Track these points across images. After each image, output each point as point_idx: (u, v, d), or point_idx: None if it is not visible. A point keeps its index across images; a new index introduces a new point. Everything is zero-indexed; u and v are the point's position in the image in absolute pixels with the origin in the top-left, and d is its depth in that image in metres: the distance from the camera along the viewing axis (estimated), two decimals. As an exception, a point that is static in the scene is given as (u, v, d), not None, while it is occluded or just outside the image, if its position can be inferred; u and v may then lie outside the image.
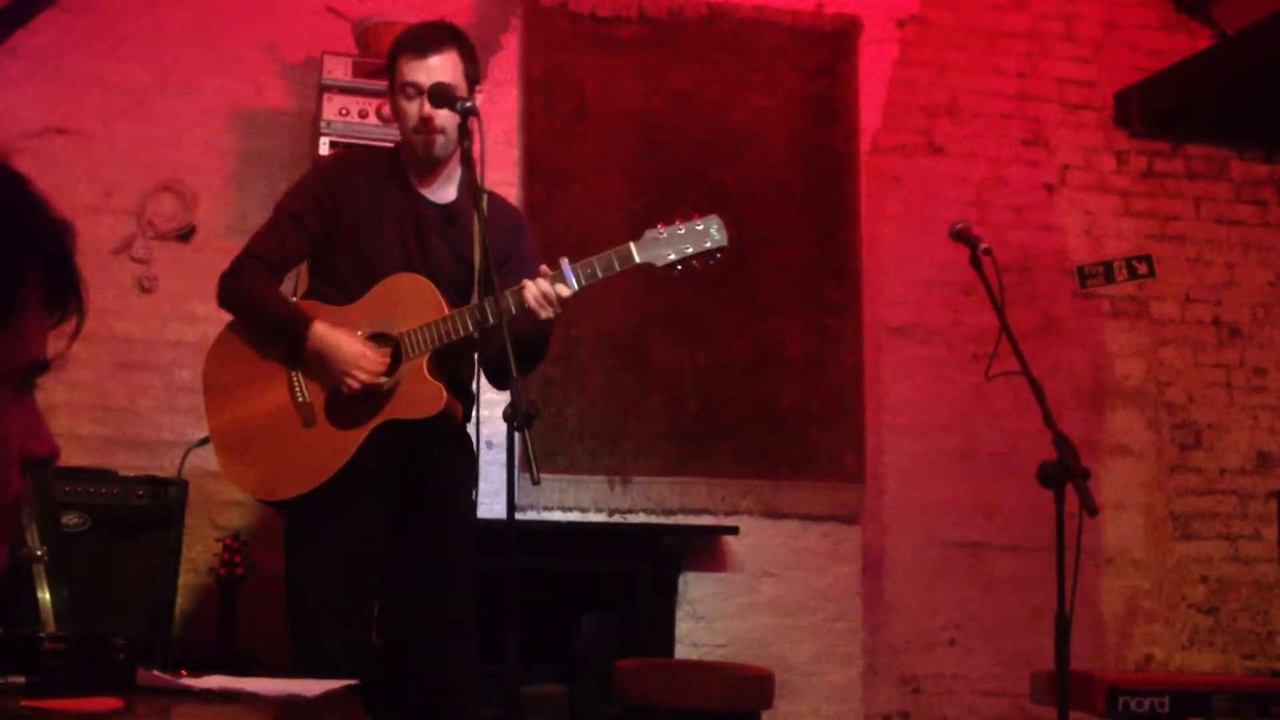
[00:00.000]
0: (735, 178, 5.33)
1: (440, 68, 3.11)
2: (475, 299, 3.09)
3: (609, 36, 5.34)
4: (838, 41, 5.54)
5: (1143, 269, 5.66)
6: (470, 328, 2.99)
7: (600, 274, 3.04)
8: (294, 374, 3.08)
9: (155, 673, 2.10)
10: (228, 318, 3.23)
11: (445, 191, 3.24)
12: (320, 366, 3.04)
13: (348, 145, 4.44)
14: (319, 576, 3.06)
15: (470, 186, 3.07)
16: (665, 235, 3.07)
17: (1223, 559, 5.68)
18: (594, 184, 5.23)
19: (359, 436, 3.03)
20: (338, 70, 4.71)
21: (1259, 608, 5.66)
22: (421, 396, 3.03)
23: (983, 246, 3.33)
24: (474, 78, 3.17)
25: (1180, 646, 5.58)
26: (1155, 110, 5.77)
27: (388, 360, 3.05)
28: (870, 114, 5.59)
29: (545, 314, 2.97)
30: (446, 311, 3.04)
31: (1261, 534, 5.62)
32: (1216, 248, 5.90)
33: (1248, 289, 5.89)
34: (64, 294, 1.01)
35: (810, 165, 5.45)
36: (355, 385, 3.01)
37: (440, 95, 3.03)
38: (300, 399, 3.06)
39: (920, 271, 5.52)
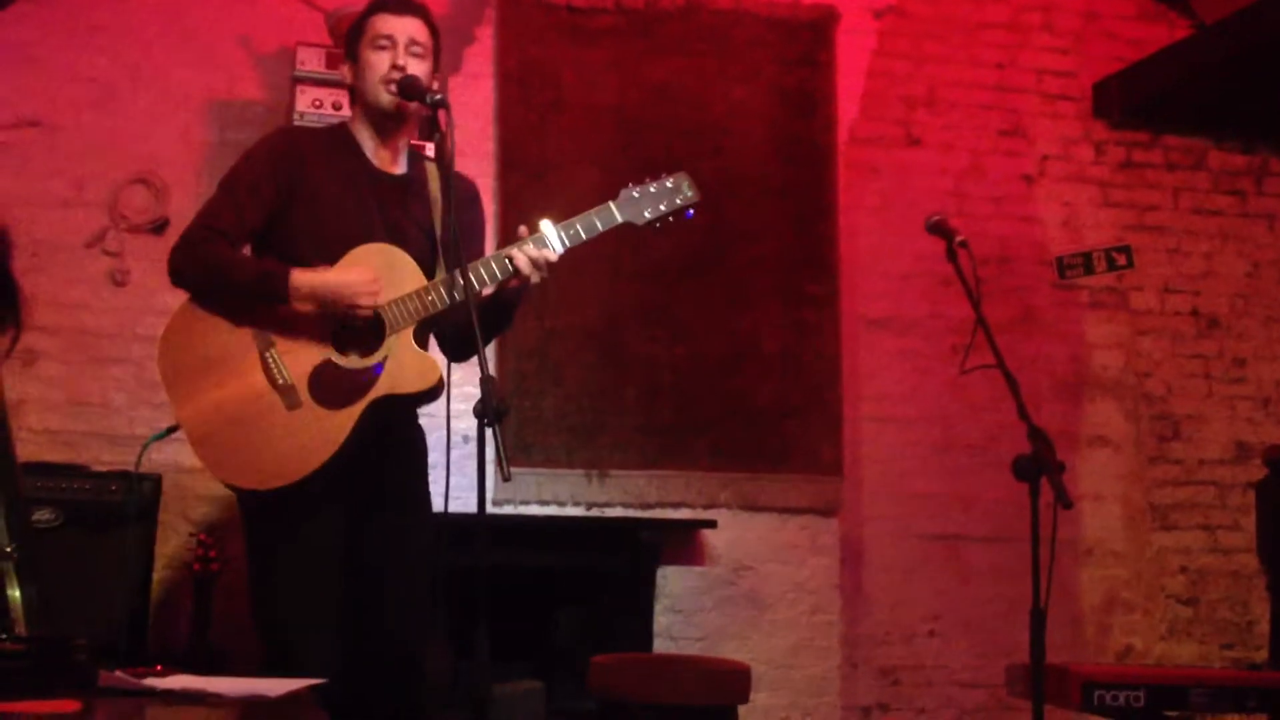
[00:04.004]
0: (713, 170, 5.30)
1: (417, 29, 3.07)
2: (443, 270, 3.04)
3: (585, 28, 5.31)
4: (815, 32, 5.52)
5: (1121, 260, 5.65)
6: (459, 297, 2.88)
7: (584, 235, 3.03)
8: (269, 354, 2.90)
9: (118, 673, 2.07)
10: None
11: (399, 165, 3.15)
12: (312, 315, 2.89)
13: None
14: (303, 575, 2.90)
15: (442, 175, 3.04)
16: (640, 194, 3.07)
17: (1202, 549, 5.69)
18: (570, 176, 5.20)
19: (352, 415, 2.89)
20: (311, 61, 4.67)
21: (1238, 598, 5.68)
22: (414, 369, 2.93)
23: (958, 239, 3.30)
24: (438, 64, 3.14)
25: (1160, 637, 5.60)
26: (1134, 101, 5.77)
27: (380, 285, 2.92)
28: (848, 105, 5.58)
29: (536, 278, 2.97)
30: (425, 281, 2.98)
31: (1240, 524, 5.63)
32: (1195, 238, 5.91)
33: (1226, 279, 5.90)
34: None
35: (788, 157, 5.43)
36: (368, 309, 2.88)
37: (410, 87, 3.00)
38: (280, 380, 2.88)
39: (898, 263, 5.51)
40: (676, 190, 3.09)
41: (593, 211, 3.05)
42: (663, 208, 3.07)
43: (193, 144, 5.02)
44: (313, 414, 2.89)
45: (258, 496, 2.89)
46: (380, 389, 2.92)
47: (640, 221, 3.07)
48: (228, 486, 2.94)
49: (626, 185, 3.08)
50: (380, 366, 2.92)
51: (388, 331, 2.93)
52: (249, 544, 3.01)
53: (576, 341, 5.11)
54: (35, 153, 4.90)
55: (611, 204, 3.06)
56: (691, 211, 3.11)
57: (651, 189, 3.08)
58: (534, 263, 2.95)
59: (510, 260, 2.96)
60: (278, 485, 2.86)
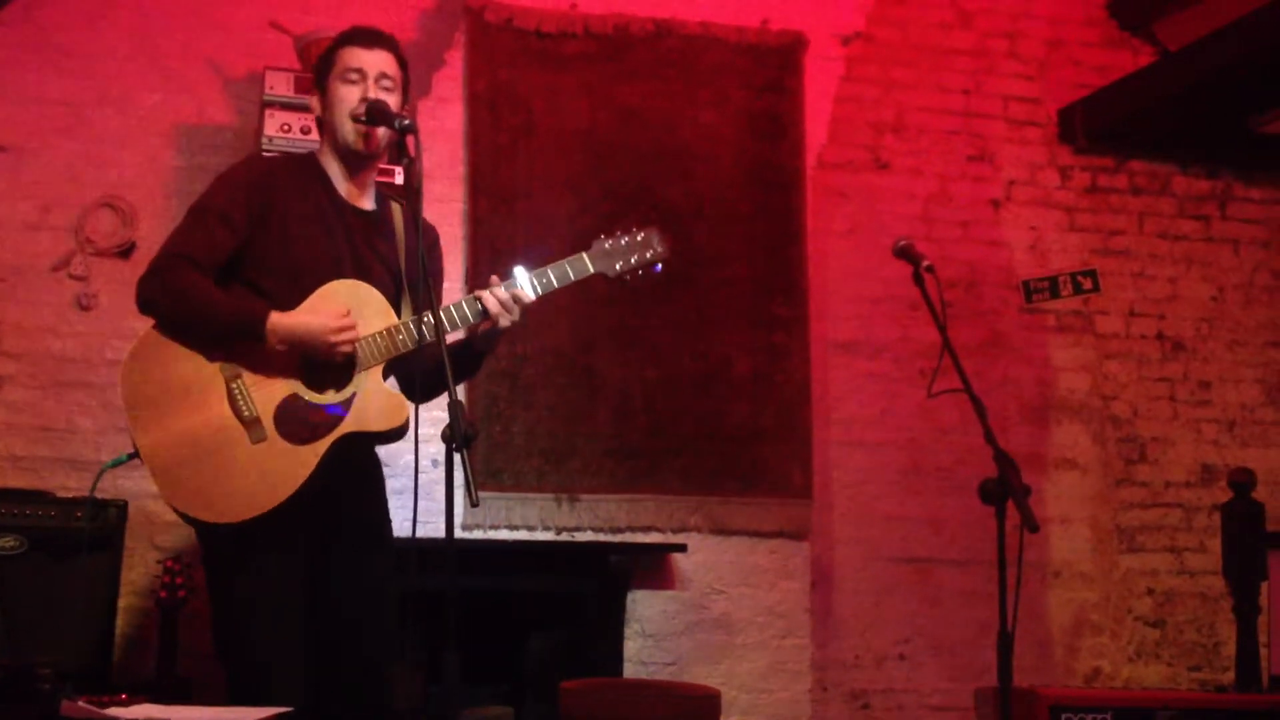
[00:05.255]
0: (682, 194, 5.33)
1: (387, 62, 3.07)
2: (408, 308, 3.04)
3: (554, 52, 5.32)
4: (783, 58, 5.55)
5: (1087, 284, 5.69)
6: (429, 337, 2.85)
7: (556, 283, 3.05)
8: (235, 384, 2.87)
9: (81, 703, 2.05)
10: None
11: (367, 200, 3.15)
12: (290, 355, 2.88)
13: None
14: (270, 601, 2.87)
15: (409, 199, 3.03)
16: (611, 246, 3.10)
17: (1168, 572, 5.73)
18: (540, 200, 5.21)
19: (318, 451, 2.87)
20: (280, 85, 4.67)
21: (1205, 620, 5.71)
22: (382, 408, 2.93)
23: (925, 264, 3.32)
24: (407, 95, 3.14)
25: (1127, 659, 5.62)
26: (1099, 126, 5.82)
27: (355, 321, 2.91)
28: (817, 130, 5.61)
29: (505, 322, 2.99)
30: (395, 320, 2.98)
31: (1206, 546, 5.67)
32: (1160, 263, 5.96)
33: (1191, 303, 5.95)
34: None
35: (757, 181, 5.45)
36: (348, 350, 2.88)
37: (378, 112, 2.99)
38: (246, 412, 2.85)
39: (867, 287, 5.53)
40: (647, 245, 3.13)
41: (566, 260, 3.08)
42: (633, 261, 3.12)
43: (161, 168, 5.00)
44: (278, 448, 2.86)
45: (218, 529, 2.85)
46: (347, 426, 2.90)
47: (611, 274, 3.11)
48: (186, 519, 2.88)
49: (599, 236, 3.12)
50: (348, 403, 2.91)
51: (358, 368, 2.92)
52: (209, 575, 2.99)
53: (547, 364, 5.10)
54: (1, 176, 4.87)
55: (585, 254, 3.09)
56: (659, 266, 3.16)
57: (623, 241, 3.12)
58: (503, 304, 2.97)
59: (480, 301, 2.97)
60: (239, 520, 2.82)
